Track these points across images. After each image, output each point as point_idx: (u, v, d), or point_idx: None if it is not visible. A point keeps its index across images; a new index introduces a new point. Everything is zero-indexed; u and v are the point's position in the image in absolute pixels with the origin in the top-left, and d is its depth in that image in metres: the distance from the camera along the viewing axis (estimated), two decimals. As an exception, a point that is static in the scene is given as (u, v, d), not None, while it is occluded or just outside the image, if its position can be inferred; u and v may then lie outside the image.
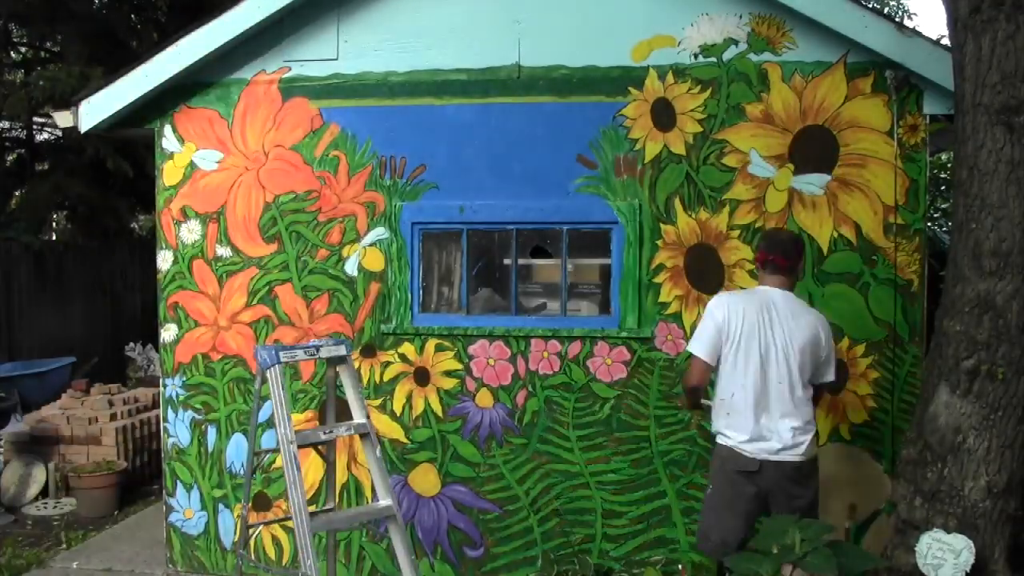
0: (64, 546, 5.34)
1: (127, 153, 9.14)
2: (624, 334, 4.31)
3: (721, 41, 4.21)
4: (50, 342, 9.28)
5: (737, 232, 4.23)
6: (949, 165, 8.48)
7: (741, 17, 4.18)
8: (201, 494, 4.70)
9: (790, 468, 3.46)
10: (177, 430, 4.71)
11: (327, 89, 4.51)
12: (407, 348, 4.51)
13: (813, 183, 4.17)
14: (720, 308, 3.53)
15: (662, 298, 4.30)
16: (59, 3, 9.26)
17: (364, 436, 3.62)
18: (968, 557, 3.33)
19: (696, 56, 4.23)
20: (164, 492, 4.80)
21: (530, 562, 4.45)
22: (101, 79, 5.73)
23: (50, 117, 8.27)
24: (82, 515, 5.92)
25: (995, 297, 3.35)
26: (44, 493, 6.23)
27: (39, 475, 6.21)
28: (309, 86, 4.53)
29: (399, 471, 4.54)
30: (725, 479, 3.53)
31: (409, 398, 4.52)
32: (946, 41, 3.75)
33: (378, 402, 4.54)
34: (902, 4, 15.98)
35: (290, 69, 4.54)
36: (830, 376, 3.61)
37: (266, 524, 4.49)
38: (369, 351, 4.54)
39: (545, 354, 4.40)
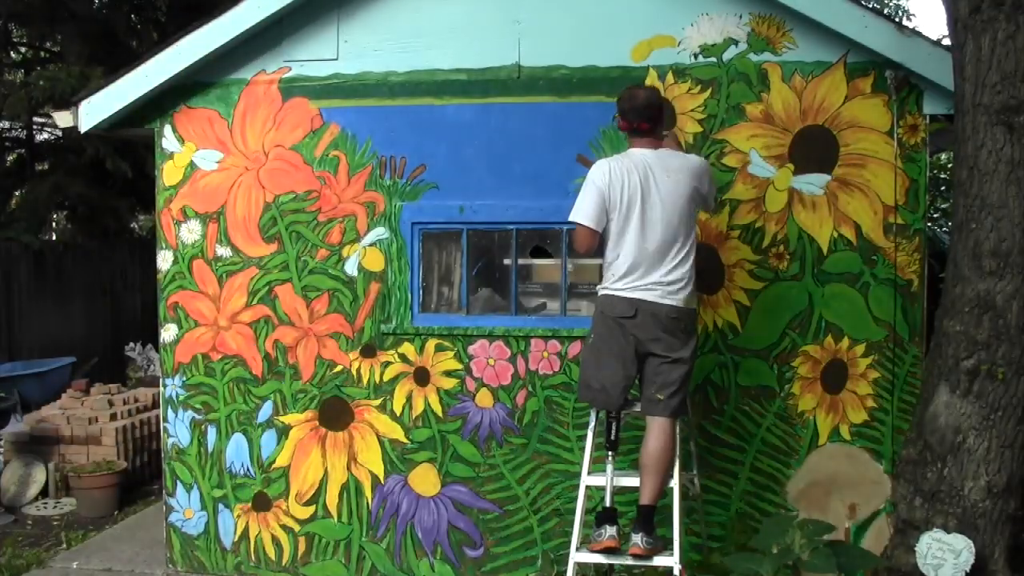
0: (64, 546, 5.34)
1: (127, 153, 9.14)
2: (624, 334, 4.30)
3: (721, 41, 4.21)
4: (50, 342, 9.28)
5: (737, 232, 4.23)
6: (949, 165, 8.48)
7: (741, 17, 4.18)
8: (201, 494, 4.70)
9: (665, 315, 3.58)
10: (177, 430, 4.71)
11: (327, 89, 4.51)
12: (407, 348, 4.51)
13: (813, 183, 4.17)
14: (602, 174, 3.63)
15: (662, 298, 4.29)
16: (59, 3, 9.26)
17: None
18: (968, 557, 3.33)
19: (696, 56, 4.23)
20: (164, 492, 4.80)
21: (530, 562, 4.45)
22: (101, 79, 5.73)
23: (50, 117, 8.26)
24: (82, 515, 5.92)
25: (995, 297, 3.35)
26: (44, 493, 6.23)
27: (39, 475, 6.22)
28: (309, 86, 4.53)
29: (399, 471, 4.54)
30: (604, 326, 3.66)
31: (409, 398, 4.52)
32: (946, 41, 3.76)
33: (378, 402, 4.54)
34: (902, 4, 15.99)
35: (290, 69, 4.54)
36: (713, 205, 3.94)
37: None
38: (369, 351, 4.54)
39: (545, 354, 4.40)
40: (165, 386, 4.73)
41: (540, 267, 4.62)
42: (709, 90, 4.22)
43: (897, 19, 11.10)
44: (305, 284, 4.58)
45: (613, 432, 3.74)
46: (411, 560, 4.55)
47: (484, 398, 4.45)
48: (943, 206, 8.61)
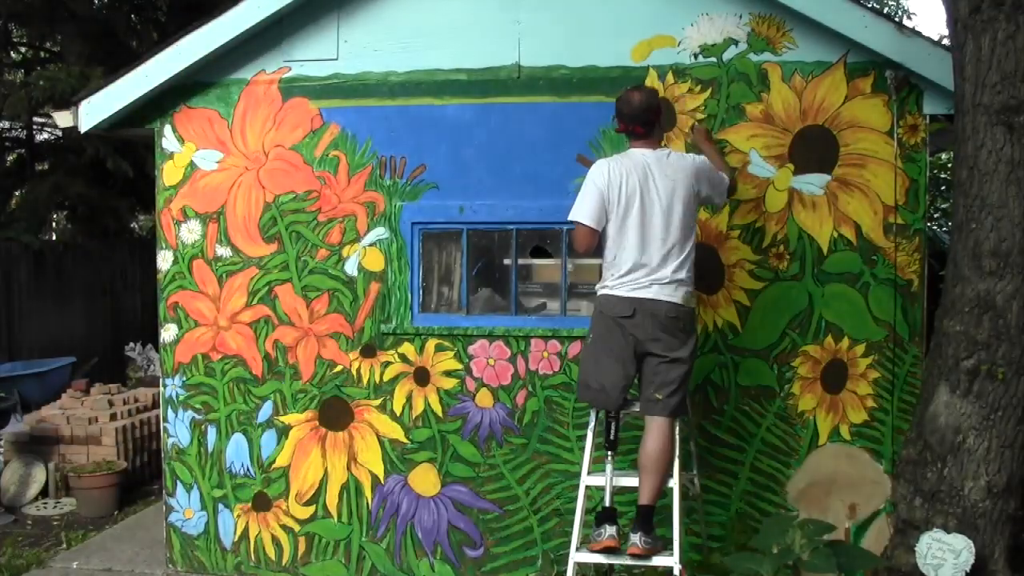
0: (64, 546, 5.34)
1: (127, 153, 9.14)
2: (624, 334, 4.30)
3: (721, 41, 4.21)
4: (50, 342, 9.28)
5: (737, 232, 4.23)
6: (949, 165, 8.48)
7: (741, 17, 4.18)
8: (201, 494, 4.70)
9: (664, 314, 3.58)
10: (177, 430, 4.71)
11: (327, 89, 4.51)
12: (407, 348, 4.51)
13: (813, 183, 4.17)
14: (602, 174, 3.66)
15: (662, 298, 4.29)
16: (59, 3, 9.26)
17: None
18: (968, 557, 3.33)
19: (696, 56, 4.23)
20: (164, 492, 4.80)
21: (530, 562, 4.45)
22: (101, 79, 5.73)
23: (50, 117, 8.25)
24: (82, 515, 5.92)
25: (995, 297, 3.35)
26: (44, 493, 6.23)
27: (39, 475, 6.22)
28: (309, 86, 4.53)
29: (399, 471, 4.54)
30: (603, 325, 3.67)
31: (409, 398, 4.52)
32: (946, 41, 3.76)
33: (378, 402, 4.54)
34: (902, 4, 15.99)
35: (290, 69, 4.54)
36: (722, 197, 3.91)
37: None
38: (369, 351, 4.54)
39: (545, 354, 4.40)
40: (165, 386, 4.73)
41: (540, 267, 4.62)
42: (709, 90, 4.22)
43: (897, 19, 11.10)
44: (305, 284, 4.58)
45: (612, 432, 3.75)
46: (411, 560, 4.55)
47: (484, 398, 4.45)
48: (943, 206, 8.61)
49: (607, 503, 3.71)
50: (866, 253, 4.15)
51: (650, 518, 3.62)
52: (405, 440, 4.53)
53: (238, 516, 4.67)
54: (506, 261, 4.51)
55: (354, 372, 4.55)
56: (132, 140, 6.32)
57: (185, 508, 4.73)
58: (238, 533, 4.68)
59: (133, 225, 13.13)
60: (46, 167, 10.72)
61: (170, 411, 4.71)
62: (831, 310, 4.18)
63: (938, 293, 3.71)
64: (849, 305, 4.17)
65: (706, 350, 4.26)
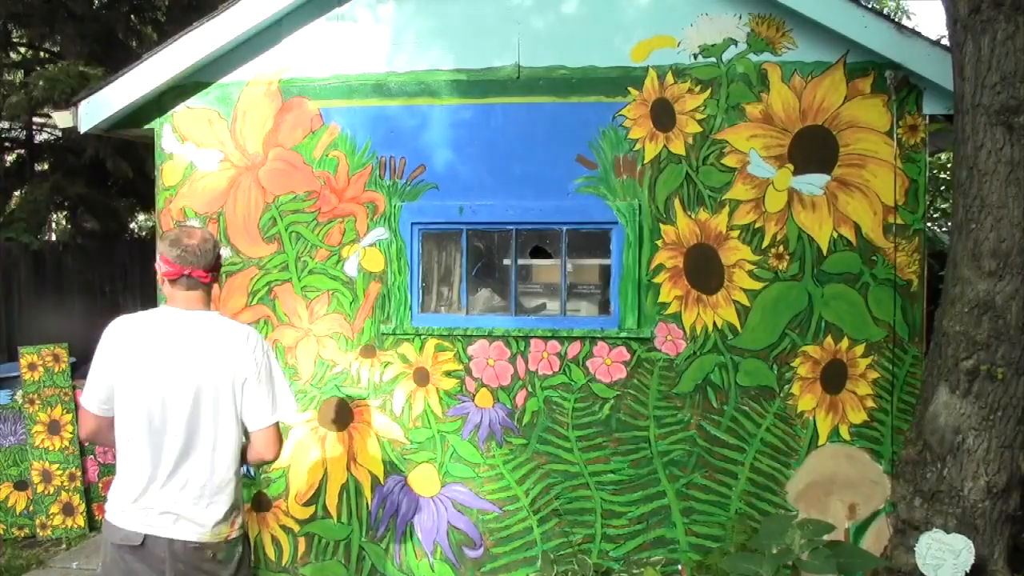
0: (64, 546, 5.34)
1: (127, 153, 9.14)
2: (624, 334, 4.31)
3: (721, 41, 4.21)
4: (49, 342, 9.27)
5: (737, 232, 4.23)
6: (949, 165, 8.48)
7: (740, 17, 4.18)
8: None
9: (186, 551, 2.67)
10: (177, 430, 4.71)
11: (327, 89, 4.51)
12: (407, 348, 4.51)
13: (813, 183, 4.17)
14: (111, 346, 2.81)
15: (662, 298, 4.30)
16: (59, 3, 9.27)
17: None
18: (968, 557, 3.33)
19: (696, 56, 4.23)
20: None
21: (530, 562, 4.45)
22: (101, 79, 5.74)
23: (50, 117, 8.26)
24: (82, 515, 5.91)
25: (995, 297, 3.36)
26: (44, 493, 6.22)
27: (39, 475, 6.21)
28: (309, 86, 4.53)
29: (399, 471, 4.54)
30: (109, 558, 2.73)
31: (409, 398, 4.52)
32: (946, 41, 3.76)
33: (378, 402, 4.54)
34: (901, 4, 15.98)
35: (290, 69, 4.54)
36: (258, 423, 2.78)
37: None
38: (369, 351, 4.54)
39: (545, 354, 4.40)
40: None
41: (540, 267, 4.62)
42: (709, 90, 4.22)
43: (897, 19, 11.09)
44: (305, 284, 4.58)
45: None
46: (411, 560, 4.55)
47: (484, 398, 4.46)
48: (943, 206, 8.61)
49: None
50: (866, 253, 4.15)
51: None
52: (405, 440, 4.53)
53: (238, 516, 4.67)
54: (506, 261, 4.51)
55: (354, 372, 4.55)
56: (132, 140, 6.32)
57: (185, 508, 4.73)
58: (238, 533, 4.68)
59: (133, 225, 13.13)
60: (46, 167, 10.73)
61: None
62: (831, 310, 4.18)
63: (938, 293, 3.71)
64: (849, 305, 4.17)
65: (706, 350, 4.26)
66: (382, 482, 4.56)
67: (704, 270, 4.26)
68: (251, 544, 3.02)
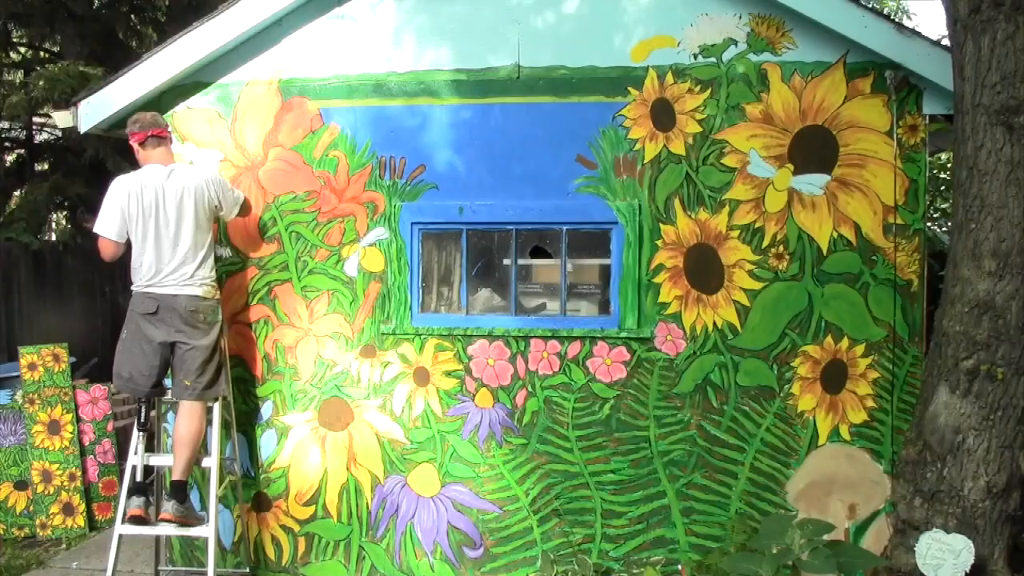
0: (64, 546, 5.34)
1: (127, 153, 9.12)
2: (624, 334, 4.31)
3: (721, 41, 4.21)
4: (49, 342, 9.26)
5: (737, 232, 4.24)
6: (949, 165, 8.48)
7: (740, 17, 4.18)
8: (200, 494, 4.70)
9: (183, 306, 4.13)
10: (177, 430, 4.71)
11: (327, 89, 4.51)
12: (407, 348, 4.51)
13: (813, 183, 4.17)
14: (121, 191, 4.17)
15: (662, 298, 4.30)
16: (59, 3, 9.26)
17: None
18: (968, 557, 3.34)
19: (696, 56, 4.23)
20: (163, 492, 4.80)
21: (530, 562, 4.45)
22: (101, 79, 5.74)
23: (50, 117, 8.26)
24: (82, 515, 5.91)
25: (995, 297, 3.36)
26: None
27: (39, 475, 6.21)
28: (309, 86, 4.53)
29: (399, 471, 4.54)
30: (132, 322, 4.21)
31: (409, 398, 4.52)
32: (946, 41, 3.76)
33: (378, 402, 4.54)
34: (902, 4, 15.98)
35: (290, 69, 4.54)
36: (234, 211, 4.34)
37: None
38: (369, 351, 4.54)
39: (545, 354, 4.40)
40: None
41: (540, 267, 4.62)
42: (709, 90, 4.22)
43: (898, 19, 11.09)
44: (305, 284, 4.58)
45: (144, 415, 4.26)
46: (411, 560, 4.55)
47: (484, 398, 4.46)
48: (943, 206, 8.61)
49: (138, 478, 4.17)
50: (866, 253, 4.15)
51: (182, 490, 4.15)
52: (405, 440, 4.53)
53: (238, 516, 4.67)
54: (506, 261, 4.51)
55: (354, 372, 4.55)
56: (132, 140, 6.32)
57: (185, 508, 4.72)
58: (238, 533, 4.69)
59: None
60: (46, 167, 10.72)
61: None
62: (831, 310, 4.18)
63: (938, 293, 3.71)
64: (849, 305, 4.17)
65: (706, 350, 4.26)
66: (382, 482, 4.56)
67: (704, 270, 4.26)
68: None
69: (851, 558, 3.19)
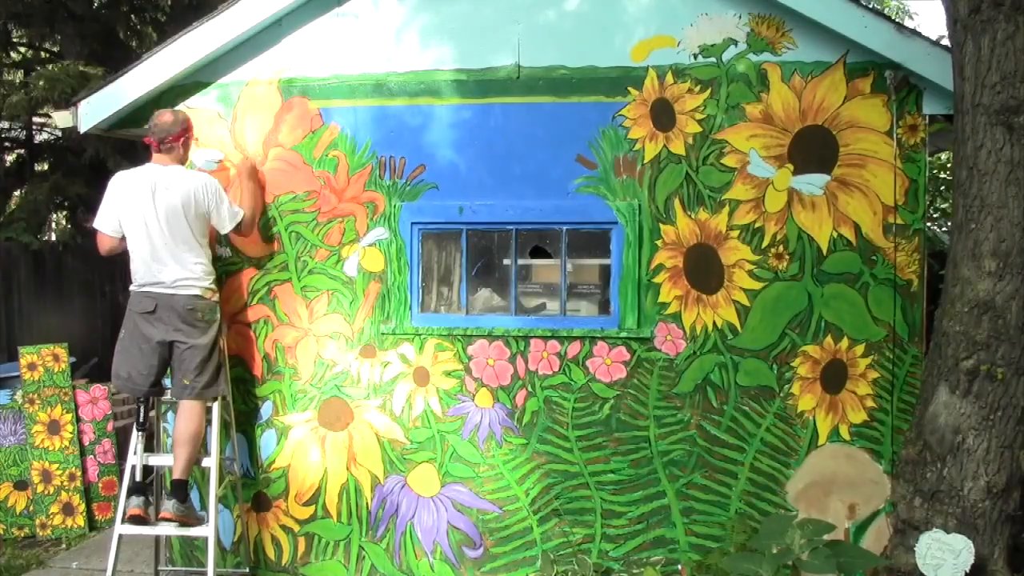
0: (64, 546, 5.34)
1: (127, 153, 9.13)
2: (624, 334, 4.31)
3: (720, 41, 4.21)
4: (49, 342, 9.27)
5: (737, 232, 4.24)
6: (949, 165, 8.48)
7: (740, 17, 4.18)
8: (200, 494, 4.70)
9: (181, 304, 4.17)
10: (177, 430, 4.70)
11: (327, 89, 4.51)
12: (406, 348, 4.51)
13: (812, 183, 4.17)
14: (116, 188, 4.29)
15: (662, 298, 4.30)
16: (59, 3, 9.26)
17: None
18: (968, 557, 3.34)
19: (695, 56, 4.23)
20: (163, 492, 4.80)
21: (530, 562, 4.45)
22: (101, 79, 5.74)
23: (50, 117, 8.25)
24: (82, 515, 5.91)
25: (995, 297, 3.36)
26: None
27: (39, 475, 6.20)
28: (309, 86, 4.53)
29: (399, 471, 4.54)
30: (131, 322, 4.26)
31: (409, 398, 4.52)
32: (946, 41, 3.76)
33: (378, 402, 4.54)
34: (904, 4, 15.97)
35: (290, 69, 4.54)
36: (228, 225, 4.32)
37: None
38: (368, 351, 4.54)
39: (544, 354, 4.40)
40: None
41: (540, 267, 4.62)
42: (709, 90, 4.22)
43: (899, 19, 11.09)
44: (304, 284, 4.58)
45: (142, 415, 4.29)
46: (411, 560, 4.55)
47: (484, 398, 4.46)
48: (943, 206, 8.61)
49: (137, 478, 4.21)
50: (866, 253, 4.15)
51: (183, 489, 4.18)
52: (405, 440, 4.53)
53: (237, 516, 4.67)
54: (506, 261, 4.51)
55: (354, 372, 4.55)
56: (132, 140, 6.32)
57: (185, 508, 4.72)
58: (237, 533, 4.69)
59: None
60: (46, 167, 10.72)
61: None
62: (831, 310, 4.18)
63: (938, 293, 3.71)
64: (849, 305, 4.17)
65: (706, 350, 4.26)
66: (382, 482, 4.56)
67: (704, 270, 4.26)
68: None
69: (851, 558, 3.19)
